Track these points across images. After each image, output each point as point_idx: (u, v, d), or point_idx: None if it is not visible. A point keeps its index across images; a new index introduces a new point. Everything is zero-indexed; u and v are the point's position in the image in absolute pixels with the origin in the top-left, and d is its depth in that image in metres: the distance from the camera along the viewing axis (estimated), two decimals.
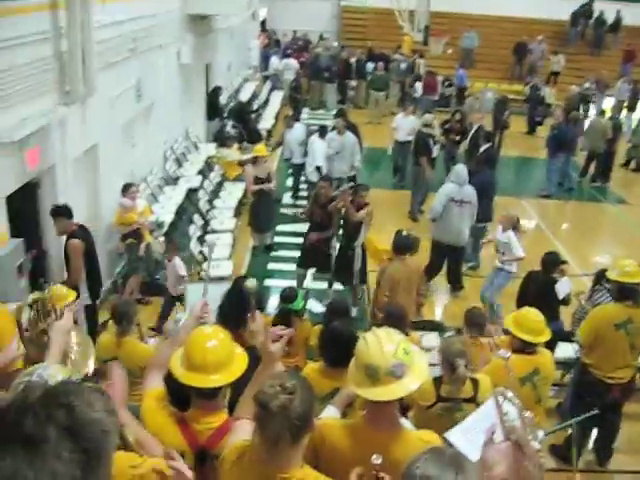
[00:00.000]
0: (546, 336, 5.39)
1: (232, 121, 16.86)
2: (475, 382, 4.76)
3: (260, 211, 11.25)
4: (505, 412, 2.49)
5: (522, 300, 7.59)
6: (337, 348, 4.68)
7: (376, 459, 2.52)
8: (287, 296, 6.73)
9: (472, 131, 14.11)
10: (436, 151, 13.82)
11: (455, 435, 2.81)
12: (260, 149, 11.76)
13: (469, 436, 2.74)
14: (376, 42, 25.35)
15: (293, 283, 9.55)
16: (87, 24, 7.75)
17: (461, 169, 10.34)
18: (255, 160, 11.38)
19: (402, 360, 2.93)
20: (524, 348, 5.35)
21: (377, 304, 8.23)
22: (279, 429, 2.57)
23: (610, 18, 27.05)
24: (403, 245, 8.14)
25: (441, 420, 4.53)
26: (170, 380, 3.46)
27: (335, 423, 3.32)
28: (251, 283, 5.20)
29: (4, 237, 3.60)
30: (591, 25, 27.46)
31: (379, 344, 2.97)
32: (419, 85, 21.38)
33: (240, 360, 3.25)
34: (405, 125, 14.91)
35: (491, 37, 26.53)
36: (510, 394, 2.60)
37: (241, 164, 13.90)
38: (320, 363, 4.93)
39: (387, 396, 2.94)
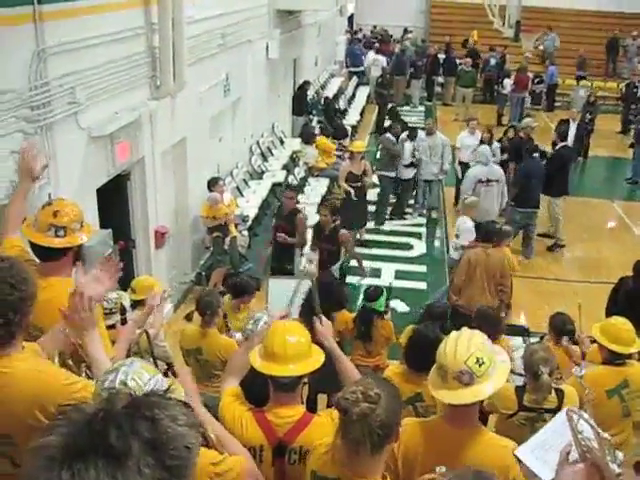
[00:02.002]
0: (636, 346, 5.14)
1: (318, 117, 16.89)
2: (560, 392, 4.58)
3: (350, 207, 11.23)
4: (580, 431, 2.38)
5: (612, 308, 7.31)
6: (420, 352, 4.61)
7: (440, 469, 2.46)
8: (370, 295, 6.66)
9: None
10: None
11: (524, 452, 2.69)
12: (357, 145, 11.69)
13: (540, 454, 2.61)
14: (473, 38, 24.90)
15: (375, 281, 9.50)
16: (178, 20, 7.87)
17: (484, 149, 11.17)
18: (351, 156, 11.38)
19: (471, 369, 2.88)
20: (612, 359, 5.11)
21: (452, 287, 8.21)
22: (359, 436, 2.53)
23: None
24: (487, 232, 8.23)
25: (522, 430, 4.39)
26: (247, 377, 3.49)
27: (411, 421, 3.28)
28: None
29: (92, 228, 3.70)
30: None
31: (455, 347, 2.96)
32: (508, 82, 20.88)
33: (317, 354, 3.28)
34: (470, 143, 12.88)
35: (583, 32, 25.68)
36: (586, 415, 2.47)
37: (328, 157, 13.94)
38: (403, 366, 4.87)
39: (451, 399, 2.93)
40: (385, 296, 6.62)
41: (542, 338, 6.51)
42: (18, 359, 2.68)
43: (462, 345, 2.95)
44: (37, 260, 3.57)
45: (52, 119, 5.85)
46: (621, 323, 5.18)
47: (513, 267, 8.31)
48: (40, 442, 1.24)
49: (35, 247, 3.56)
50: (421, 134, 12.85)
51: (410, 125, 14.71)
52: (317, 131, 15.51)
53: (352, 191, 11.06)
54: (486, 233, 8.29)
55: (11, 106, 5.36)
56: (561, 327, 6.04)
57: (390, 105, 18.75)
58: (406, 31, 27.09)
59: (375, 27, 27.82)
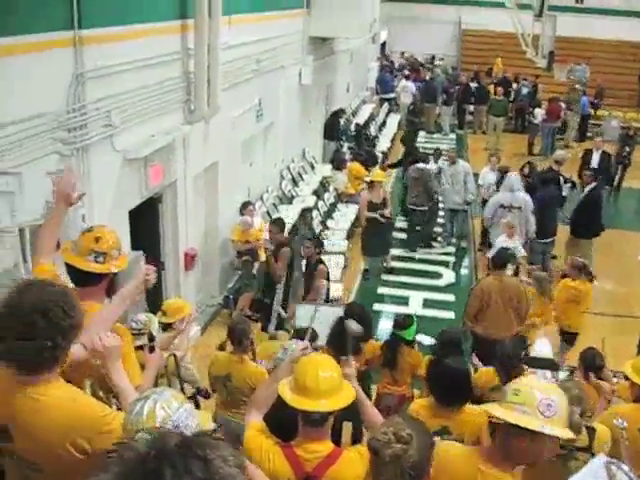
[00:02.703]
0: None
1: (349, 143, 16.94)
2: (591, 431, 4.48)
3: (372, 236, 11.22)
4: None
5: None
6: (448, 385, 4.56)
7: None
8: (399, 323, 6.60)
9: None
10: (566, 190, 12.49)
11: None
12: (378, 174, 11.71)
13: None
14: (497, 66, 24.96)
15: (402, 309, 9.46)
16: (214, 46, 7.97)
17: (513, 177, 11.16)
18: (371, 185, 11.38)
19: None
20: None
21: (466, 315, 8.18)
22: (392, 478, 2.50)
23: None
24: (499, 259, 8.22)
25: (553, 467, 4.29)
26: (275, 408, 3.47)
27: (452, 448, 3.24)
28: (356, 326, 5.08)
29: (127, 257, 3.75)
30: None
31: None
32: (539, 111, 20.80)
33: (348, 390, 3.26)
34: (492, 179, 12.61)
35: (616, 63, 25.57)
36: (626, 467, 2.42)
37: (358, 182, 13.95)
38: (429, 399, 4.81)
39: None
40: (415, 326, 6.56)
41: (572, 372, 6.40)
42: (54, 387, 2.67)
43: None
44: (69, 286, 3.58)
45: (88, 141, 5.94)
46: None
47: (528, 294, 8.22)
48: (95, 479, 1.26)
49: (72, 271, 3.58)
50: (443, 163, 12.91)
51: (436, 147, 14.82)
52: (348, 157, 15.54)
53: (378, 217, 11.06)
54: (499, 260, 8.23)
55: (48, 128, 5.44)
56: (591, 363, 5.93)
57: (405, 130, 18.85)
58: (434, 58, 27.20)
59: (403, 54, 27.94)
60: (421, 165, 12.84)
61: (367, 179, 12.04)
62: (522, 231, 10.64)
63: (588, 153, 14.18)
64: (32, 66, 5.17)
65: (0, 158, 4.90)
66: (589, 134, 21.97)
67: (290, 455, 3.20)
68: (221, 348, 6.40)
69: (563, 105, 21.26)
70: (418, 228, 12.88)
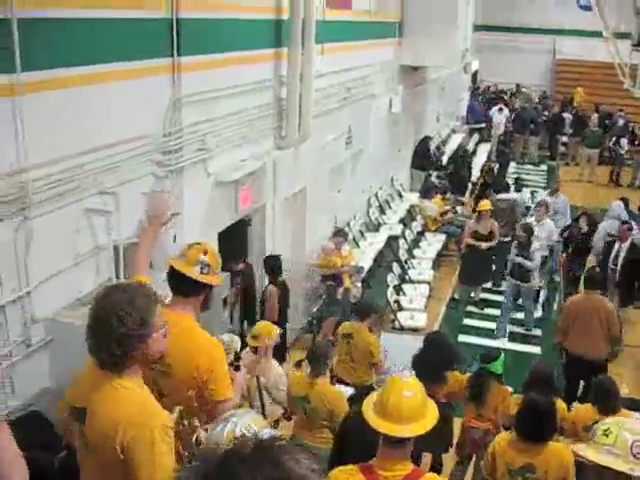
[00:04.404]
0: None
1: (438, 172, 16.86)
2: None
3: (470, 263, 11.09)
4: None
5: None
6: (532, 421, 4.44)
7: None
8: (487, 356, 6.46)
9: None
10: None
11: None
12: (485, 204, 11.57)
13: None
14: (594, 97, 24.45)
15: (488, 342, 9.29)
16: (307, 74, 8.10)
17: (616, 205, 11.43)
18: (479, 215, 11.30)
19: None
20: None
21: (556, 330, 8.45)
22: None
23: None
24: (591, 279, 8.29)
25: None
26: (356, 425, 3.46)
27: None
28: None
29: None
30: None
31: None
32: (624, 141, 20.31)
33: (432, 413, 3.24)
34: (543, 233, 11.20)
35: None
36: None
37: (442, 215, 13.86)
38: (512, 434, 4.69)
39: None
40: (503, 359, 6.40)
41: None
42: (125, 386, 2.82)
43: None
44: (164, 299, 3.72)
45: (182, 164, 6.12)
46: None
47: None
48: (176, 476, 1.40)
49: (176, 279, 3.72)
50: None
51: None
52: (437, 185, 15.48)
53: (477, 245, 10.95)
54: (591, 281, 8.28)
55: (145, 150, 5.64)
56: None
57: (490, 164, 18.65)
58: (519, 87, 26.87)
59: (489, 87, 27.70)
60: (505, 195, 12.68)
61: (477, 209, 11.95)
62: None
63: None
64: (132, 91, 5.38)
65: (99, 178, 5.10)
66: None
67: (370, 476, 3.19)
68: (297, 365, 6.45)
69: None
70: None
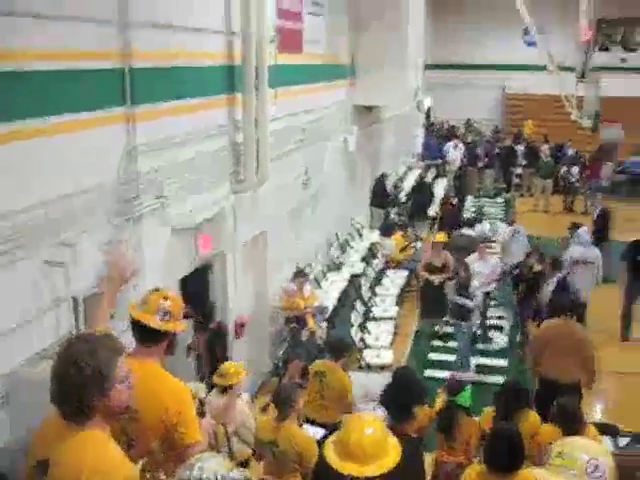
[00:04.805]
0: None
1: (397, 208, 17.03)
2: None
3: (428, 297, 11.17)
4: None
5: None
6: (499, 450, 4.45)
7: None
8: (452, 388, 6.48)
9: None
10: None
11: None
12: (439, 236, 11.71)
13: None
14: (543, 129, 25.05)
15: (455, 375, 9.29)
16: (261, 118, 8.17)
17: (582, 230, 11.53)
18: (433, 248, 11.42)
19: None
20: None
21: (528, 355, 8.54)
22: None
23: None
24: (560, 305, 8.38)
25: None
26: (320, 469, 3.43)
27: None
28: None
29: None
30: None
31: None
32: (576, 170, 20.90)
33: (396, 449, 3.18)
34: (481, 270, 11.09)
35: None
36: None
37: (403, 252, 13.97)
38: (483, 465, 4.69)
39: None
40: (470, 390, 6.42)
41: (635, 439, 6.19)
42: (90, 435, 2.76)
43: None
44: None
45: (140, 212, 6.09)
46: None
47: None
48: None
49: (135, 327, 3.69)
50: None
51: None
52: (396, 222, 15.64)
53: (430, 279, 11.04)
54: (559, 307, 8.41)
55: (102, 200, 5.60)
56: None
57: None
58: (469, 122, 27.45)
59: (442, 123, 28.22)
60: (466, 230, 12.87)
61: (431, 240, 12.15)
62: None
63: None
64: (86, 141, 5.36)
65: (56, 230, 5.05)
66: None
67: None
68: (263, 410, 6.40)
69: (610, 164, 21.27)
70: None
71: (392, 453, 3.14)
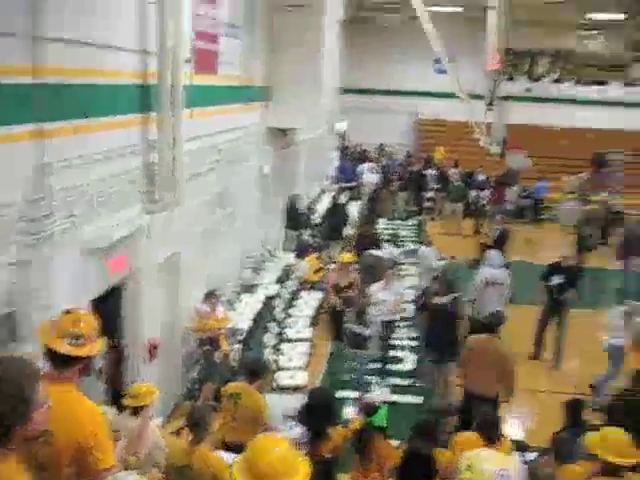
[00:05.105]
0: (636, 457, 4.99)
1: (311, 230, 17.14)
2: None
3: (337, 319, 11.24)
4: None
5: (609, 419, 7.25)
6: (413, 471, 4.52)
7: None
8: (367, 409, 6.51)
9: None
10: None
11: None
12: (346, 256, 11.84)
13: None
14: (454, 155, 25.81)
15: (369, 395, 9.37)
16: (177, 138, 8.11)
17: (494, 253, 11.78)
18: (340, 267, 11.52)
19: None
20: (613, 472, 4.97)
21: (458, 370, 8.98)
22: None
23: None
24: (493, 320, 8.84)
25: None
26: None
27: None
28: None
29: (103, 341, 3.79)
30: None
31: None
32: (486, 193, 21.77)
33: (304, 467, 3.15)
34: (386, 298, 10.87)
35: (571, 149, 26.71)
36: None
37: (316, 273, 14.05)
38: None
39: None
40: (385, 410, 6.47)
41: (542, 454, 6.38)
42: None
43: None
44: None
45: (50, 231, 5.92)
46: (620, 434, 5.09)
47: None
48: None
49: (48, 352, 3.58)
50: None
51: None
52: (311, 244, 15.72)
53: (338, 302, 11.14)
54: (490, 322, 8.84)
55: (10, 219, 5.42)
56: (564, 447, 5.94)
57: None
58: (382, 146, 28.01)
59: (355, 146, 28.68)
60: (375, 252, 13.06)
61: (338, 261, 12.21)
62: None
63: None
64: None
65: None
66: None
67: None
68: (177, 433, 6.30)
69: (515, 188, 22.18)
70: None
71: (302, 471, 3.13)
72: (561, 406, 7.18)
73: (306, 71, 13.90)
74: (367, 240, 14.82)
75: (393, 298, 10.91)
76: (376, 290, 10.98)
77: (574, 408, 6.99)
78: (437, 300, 10.18)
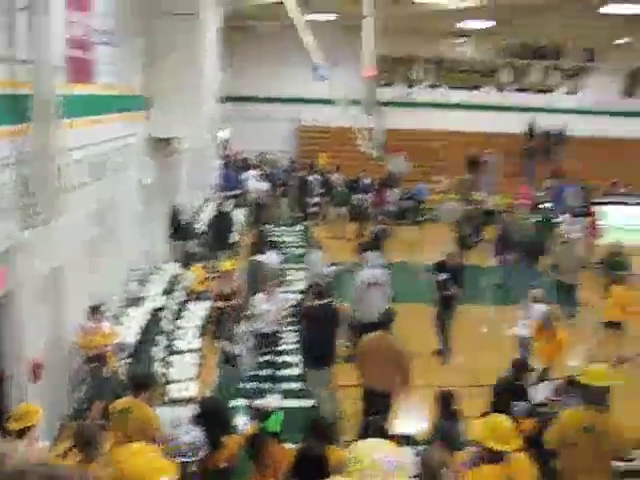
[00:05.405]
0: (516, 444, 5.25)
1: (196, 240, 16.96)
2: None
3: (223, 324, 11.20)
4: None
5: (493, 407, 7.58)
6: (304, 471, 4.56)
7: None
8: (258, 415, 6.51)
9: None
10: None
11: None
12: (226, 264, 11.83)
13: None
14: (336, 160, 26.20)
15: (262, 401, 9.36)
16: (54, 149, 7.84)
17: (370, 254, 12.12)
18: (221, 275, 11.45)
19: None
20: (495, 458, 5.20)
21: (357, 367, 9.08)
22: None
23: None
24: (383, 318, 9.35)
25: None
26: None
27: None
28: None
29: None
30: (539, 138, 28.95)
31: None
32: (364, 197, 22.30)
33: (173, 470, 3.12)
34: (267, 308, 10.81)
35: (447, 152, 27.73)
36: None
37: (203, 283, 13.92)
38: None
39: None
40: (279, 416, 6.48)
41: (429, 443, 6.59)
42: None
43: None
44: None
45: None
46: (502, 420, 5.34)
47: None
48: None
49: None
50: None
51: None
52: (196, 253, 15.56)
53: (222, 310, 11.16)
54: (382, 320, 9.33)
55: None
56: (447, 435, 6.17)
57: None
58: (263, 154, 28.12)
59: (236, 154, 28.64)
60: (260, 257, 13.15)
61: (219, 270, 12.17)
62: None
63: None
64: None
65: None
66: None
67: None
68: (64, 455, 6.08)
69: (396, 190, 22.81)
70: None
71: (171, 471, 3.12)
72: (433, 398, 7.52)
73: (186, 80, 13.76)
74: (253, 247, 14.84)
75: (275, 308, 10.82)
76: (259, 301, 10.88)
77: (445, 399, 7.32)
78: (311, 304, 10.24)
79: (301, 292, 11.96)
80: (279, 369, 11.17)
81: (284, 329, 12.02)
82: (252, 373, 10.78)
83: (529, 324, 10.99)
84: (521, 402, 7.61)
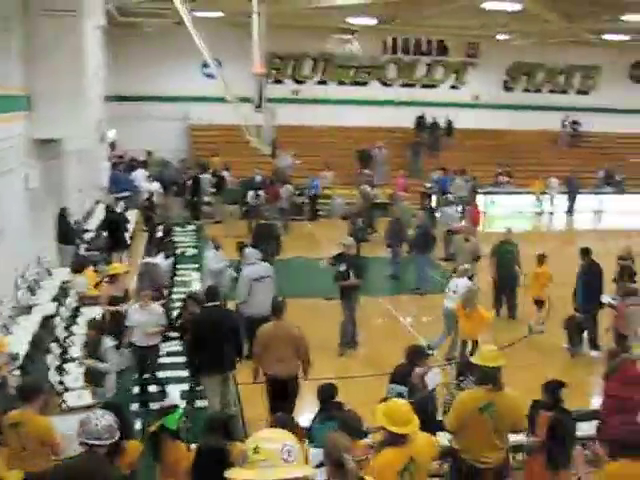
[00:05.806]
0: (415, 425, 5.43)
1: (86, 243, 16.51)
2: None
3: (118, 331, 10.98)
4: None
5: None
6: (204, 466, 4.56)
7: None
8: (162, 411, 6.44)
9: None
10: None
11: None
12: (116, 267, 11.62)
13: None
14: (228, 157, 26.07)
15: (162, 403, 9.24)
16: None
17: (251, 251, 12.21)
18: (111, 279, 11.21)
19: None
20: (396, 440, 5.36)
21: (253, 356, 9.22)
22: None
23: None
24: (275, 307, 9.23)
25: None
26: None
27: None
28: None
29: None
30: (427, 131, 29.72)
31: None
32: (251, 194, 22.55)
33: None
34: (142, 319, 10.12)
35: (336, 147, 28.09)
36: None
37: (96, 287, 13.58)
38: None
39: None
40: (179, 413, 6.43)
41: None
42: None
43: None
44: None
45: None
46: (399, 404, 5.55)
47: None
48: None
49: None
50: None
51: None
52: (87, 258, 15.15)
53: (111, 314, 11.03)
54: (275, 309, 9.28)
55: None
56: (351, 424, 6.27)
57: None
58: (150, 153, 27.68)
59: (121, 155, 27.99)
60: (150, 259, 13.00)
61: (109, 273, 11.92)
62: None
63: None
64: None
65: None
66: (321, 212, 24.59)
67: None
68: None
69: (289, 187, 23.01)
70: None
71: None
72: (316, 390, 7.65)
73: (68, 79, 13.35)
74: (147, 248, 14.62)
75: (147, 319, 10.14)
76: (132, 312, 10.20)
77: (327, 391, 7.45)
78: (192, 310, 10.17)
79: (182, 300, 11.50)
80: (165, 384, 10.76)
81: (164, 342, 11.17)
82: (135, 392, 10.49)
83: (454, 298, 11.67)
84: (399, 386, 7.77)
